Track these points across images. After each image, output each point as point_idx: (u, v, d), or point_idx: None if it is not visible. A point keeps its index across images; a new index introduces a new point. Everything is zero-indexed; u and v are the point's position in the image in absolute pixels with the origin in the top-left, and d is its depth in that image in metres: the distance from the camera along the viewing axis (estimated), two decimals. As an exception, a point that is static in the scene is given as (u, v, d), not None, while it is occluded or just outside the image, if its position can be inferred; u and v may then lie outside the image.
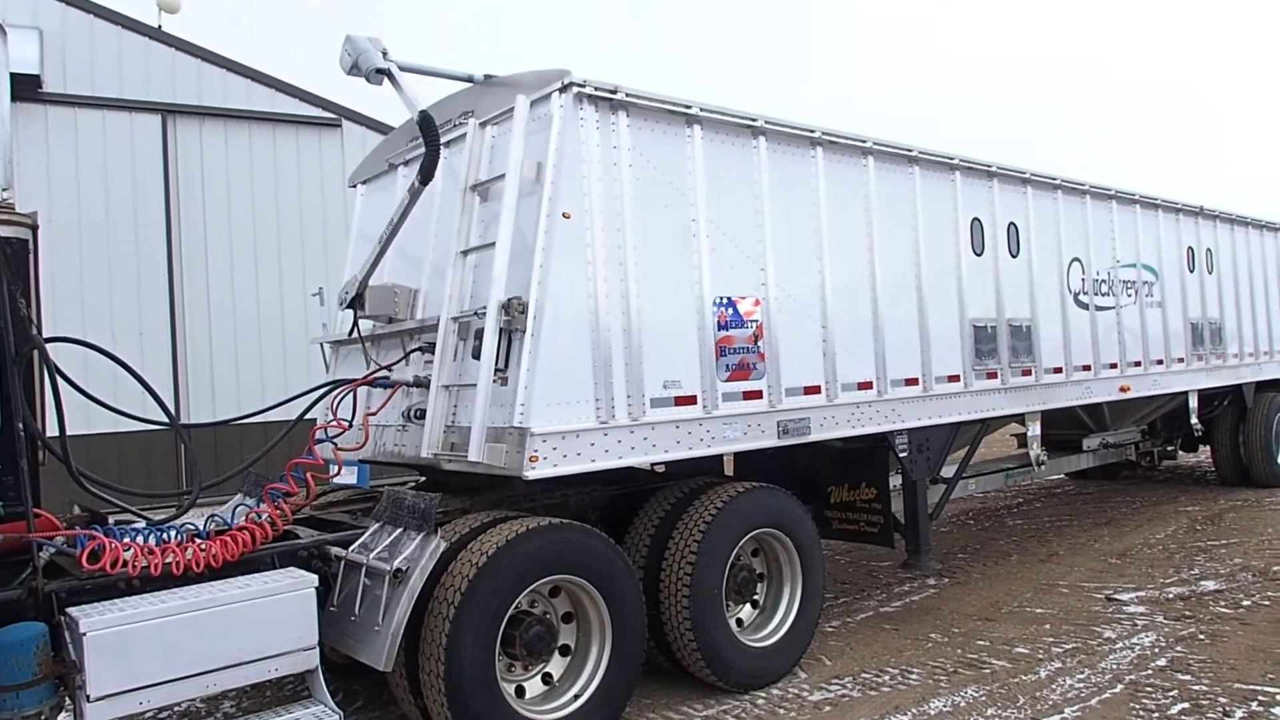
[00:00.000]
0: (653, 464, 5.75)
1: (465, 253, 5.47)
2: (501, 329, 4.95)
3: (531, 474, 4.78)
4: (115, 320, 14.70)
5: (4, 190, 4.50)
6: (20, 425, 4.11)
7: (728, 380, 5.76)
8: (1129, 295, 9.71)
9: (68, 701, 3.94)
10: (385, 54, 5.48)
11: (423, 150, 6.11)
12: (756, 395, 5.91)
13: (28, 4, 14.61)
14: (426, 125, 5.27)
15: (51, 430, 4.69)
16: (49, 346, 4.58)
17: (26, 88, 13.94)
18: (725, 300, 5.79)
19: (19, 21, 14.04)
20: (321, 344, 7.17)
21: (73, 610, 3.84)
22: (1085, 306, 9.07)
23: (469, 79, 6.06)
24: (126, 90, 15.41)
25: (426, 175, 5.32)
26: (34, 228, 4.65)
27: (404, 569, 4.38)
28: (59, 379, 4.61)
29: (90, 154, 15.06)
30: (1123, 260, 9.66)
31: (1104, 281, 9.38)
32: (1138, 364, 9.72)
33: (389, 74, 5.45)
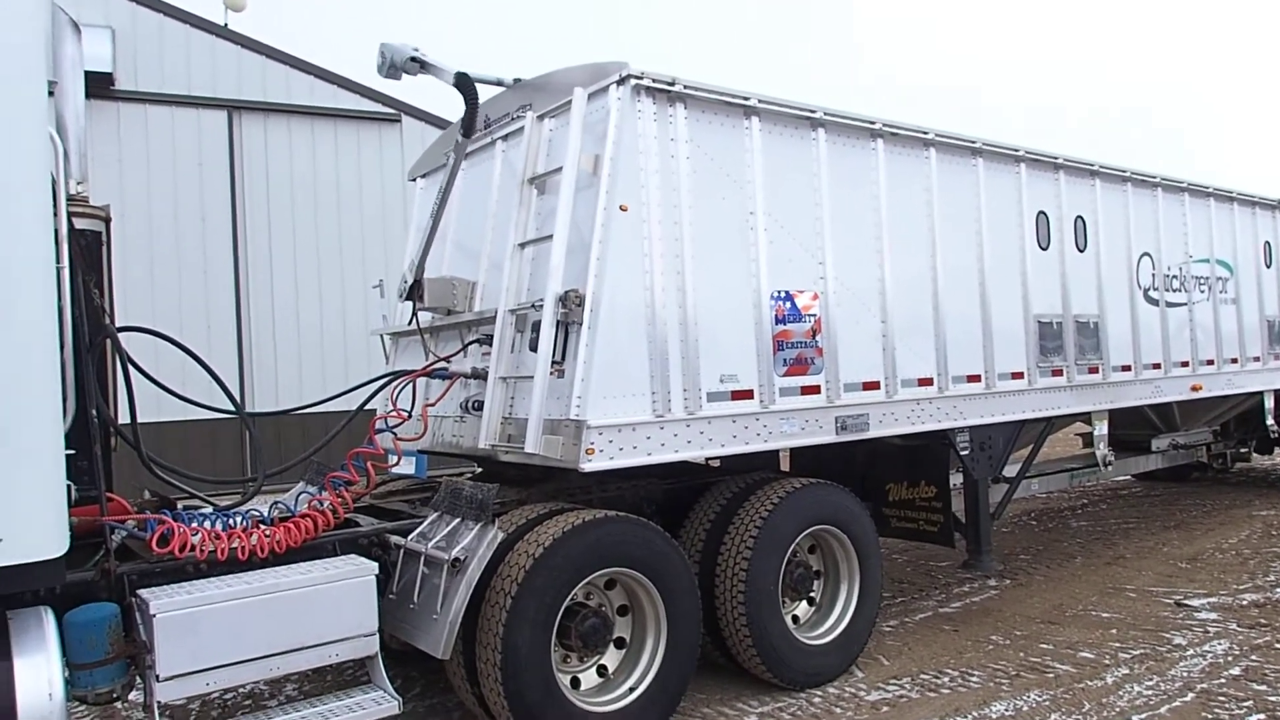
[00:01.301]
0: (707, 458, 5.72)
1: (523, 245, 5.48)
2: (559, 321, 4.96)
3: (588, 466, 4.79)
4: (184, 311, 15.11)
5: (79, 184, 4.62)
6: (94, 412, 4.23)
7: (785, 375, 5.70)
8: (1202, 291, 9.40)
9: (138, 680, 4.05)
10: (416, 49, 5.69)
11: (484, 142, 6.17)
12: (814, 390, 5.84)
13: (100, 3, 15.05)
14: (464, 83, 5.41)
15: (123, 417, 4.82)
16: (121, 336, 4.70)
17: (100, 85, 14.37)
18: (783, 294, 5.72)
19: (92, 21, 14.46)
20: (381, 335, 7.27)
21: (143, 592, 3.94)
22: (1155, 303, 8.80)
23: (499, 83, 6.17)
24: (194, 87, 15.82)
25: (468, 129, 5.45)
26: (107, 220, 4.78)
27: (462, 558, 4.42)
28: (130, 367, 4.73)
29: (160, 149, 15.49)
30: (1195, 255, 9.35)
31: (1175, 277, 9.08)
32: (1210, 362, 9.40)
33: (421, 61, 5.66)
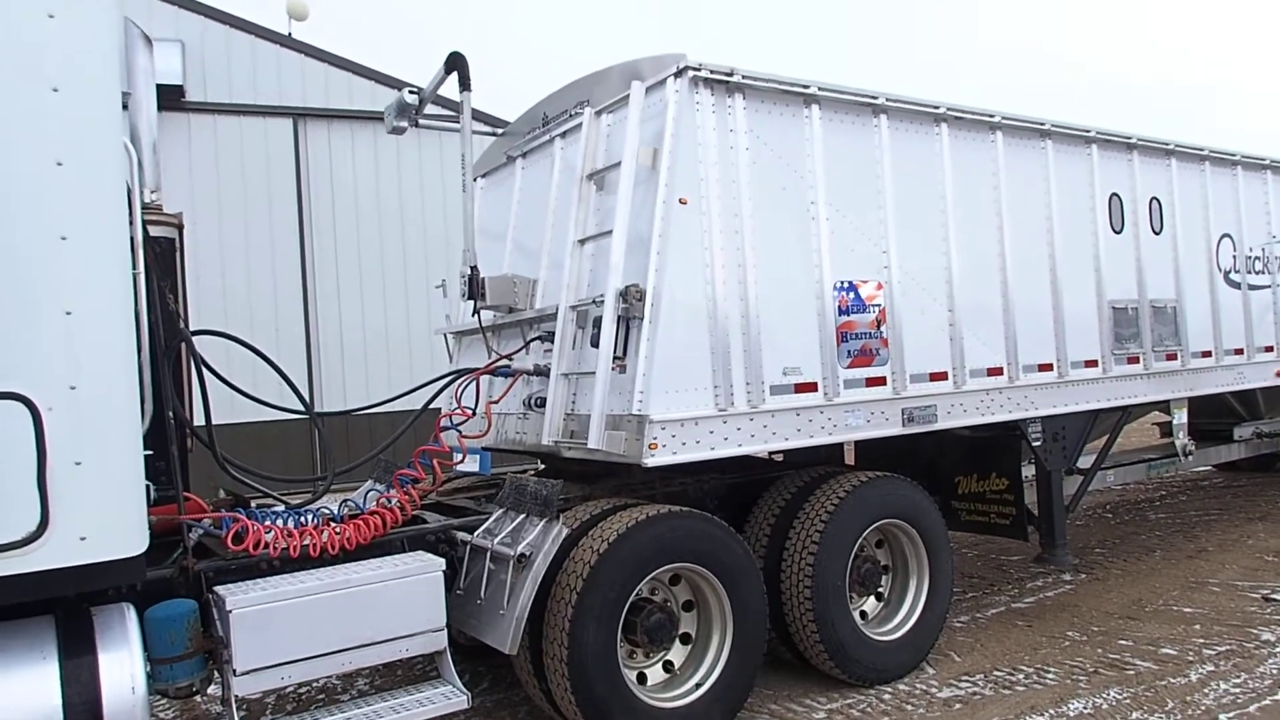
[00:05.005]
0: (771, 452, 5.66)
1: (582, 241, 5.49)
2: (619, 317, 4.94)
3: (651, 461, 4.77)
4: (254, 315, 15.49)
5: (152, 193, 4.76)
6: (170, 414, 4.35)
7: (849, 367, 5.61)
8: (1287, 273, 9.01)
9: (215, 675, 4.15)
10: (412, 89, 6.13)
11: (542, 140, 6.22)
12: (880, 382, 5.74)
13: (170, 18, 15.50)
14: (453, 56, 5.66)
15: (197, 419, 4.95)
16: (195, 339, 4.82)
17: (171, 97, 14.80)
18: (846, 284, 5.63)
19: (163, 35, 14.90)
20: (445, 335, 7.35)
21: (220, 588, 4.04)
22: (1237, 286, 8.46)
23: (492, 134, 6.89)
24: (261, 96, 16.20)
25: (464, 84, 5.68)
26: (180, 227, 4.91)
27: (528, 554, 4.44)
28: (205, 370, 4.85)
29: (229, 158, 15.91)
30: None
31: (1258, 259, 8.73)
32: (1297, 346, 9.01)
33: (416, 91, 6.09)
